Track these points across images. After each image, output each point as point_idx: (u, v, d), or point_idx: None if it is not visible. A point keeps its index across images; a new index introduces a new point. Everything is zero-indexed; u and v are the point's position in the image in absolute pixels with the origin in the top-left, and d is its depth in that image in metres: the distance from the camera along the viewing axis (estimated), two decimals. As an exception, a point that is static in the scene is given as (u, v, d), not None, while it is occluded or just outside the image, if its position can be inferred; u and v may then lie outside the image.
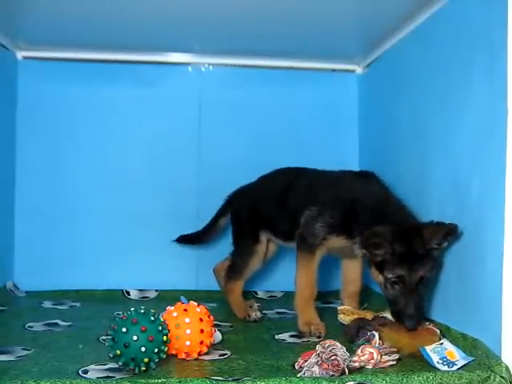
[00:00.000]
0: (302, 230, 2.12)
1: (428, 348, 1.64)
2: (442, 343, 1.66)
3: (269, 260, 2.53)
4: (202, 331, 1.69)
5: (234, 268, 2.40)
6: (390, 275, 1.82)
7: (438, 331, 1.77)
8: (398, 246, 1.81)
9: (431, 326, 1.80)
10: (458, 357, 1.60)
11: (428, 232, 1.81)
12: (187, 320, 1.68)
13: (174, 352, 1.68)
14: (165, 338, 1.58)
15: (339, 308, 2.24)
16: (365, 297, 2.44)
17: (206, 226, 2.61)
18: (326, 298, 2.49)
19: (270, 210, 2.34)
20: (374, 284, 2.63)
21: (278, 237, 2.36)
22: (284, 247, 2.43)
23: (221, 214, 2.59)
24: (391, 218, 1.92)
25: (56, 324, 2.15)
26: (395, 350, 1.66)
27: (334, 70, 2.98)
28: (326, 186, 2.17)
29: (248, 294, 2.71)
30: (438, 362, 1.59)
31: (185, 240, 2.65)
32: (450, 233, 1.81)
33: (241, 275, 2.38)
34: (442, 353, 1.62)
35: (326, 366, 1.51)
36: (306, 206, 2.13)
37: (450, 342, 1.69)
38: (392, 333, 1.74)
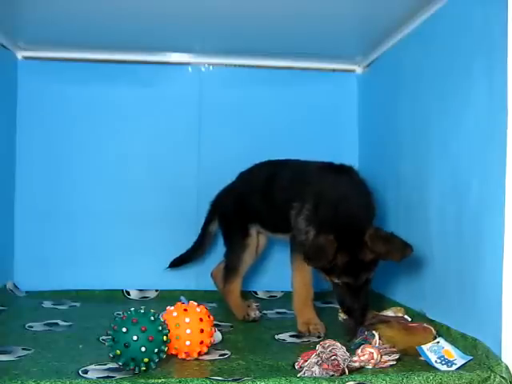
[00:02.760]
0: (293, 231, 2.13)
1: (425, 347, 1.64)
2: (438, 342, 1.66)
3: (260, 254, 2.53)
4: (202, 331, 1.69)
5: (229, 267, 2.40)
6: (337, 281, 1.90)
7: (433, 330, 1.77)
8: (342, 257, 1.85)
9: (426, 325, 1.80)
10: (456, 356, 1.60)
11: (379, 247, 1.85)
12: (187, 320, 1.68)
13: (173, 352, 1.68)
14: (165, 337, 1.58)
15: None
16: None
17: (198, 239, 2.59)
18: (325, 298, 2.49)
19: (256, 202, 2.35)
20: (373, 284, 2.63)
21: (267, 228, 2.38)
22: (278, 244, 2.44)
23: (208, 221, 2.58)
24: (344, 219, 1.92)
25: (56, 324, 2.15)
26: (395, 349, 1.66)
27: (334, 70, 2.98)
28: (304, 179, 2.17)
29: (248, 294, 2.72)
30: (436, 362, 1.59)
31: (179, 262, 2.60)
32: (406, 255, 1.87)
33: (237, 273, 2.38)
34: (439, 352, 1.62)
35: (326, 366, 1.51)
36: (290, 203, 2.13)
37: (449, 341, 1.69)
38: (387, 329, 1.75)
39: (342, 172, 2.13)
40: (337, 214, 1.96)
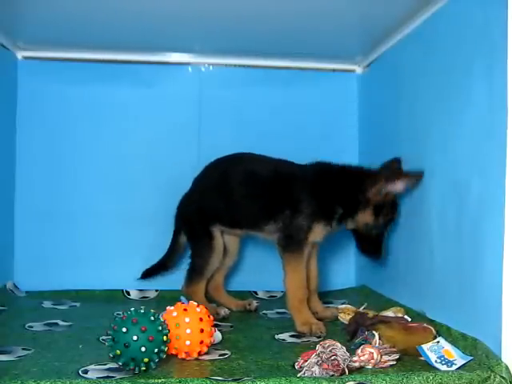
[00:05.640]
0: (286, 231, 2.15)
1: (425, 346, 1.64)
2: (438, 341, 1.66)
3: (234, 257, 2.57)
4: (201, 331, 1.69)
5: (194, 269, 2.41)
6: (387, 217, 2.19)
7: (434, 330, 1.77)
8: (389, 195, 2.15)
9: (426, 325, 1.80)
10: (456, 356, 1.60)
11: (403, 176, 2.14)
12: (187, 319, 1.68)
13: (173, 352, 1.68)
14: (165, 337, 1.58)
15: (339, 307, 2.24)
16: (364, 297, 2.44)
17: (167, 251, 2.58)
18: (326, 298, 2.49)
19: (215, 201, 2.38)
20: (373, 284, 2.64)
21: (225, 225, 2.40)
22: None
23: (177, 231, 2.57)
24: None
25: (56, 324, 2.15)
26: (395, 349, 1.66)
27: (334, 70, 2.98)
28: (287, 183, 2.22)
29: (248, 294, 2.72)
30: (436, 361, 1.59)
31: (149, 273, 2.61)
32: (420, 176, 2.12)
33: (202, 275, 2.39)
34: (439, 351, 1.62)
35: (326, 366, 1.51)
36: (277, 211, 2.19)
37: (449, 341, 1.69)
38: (387, 329, 1.75)
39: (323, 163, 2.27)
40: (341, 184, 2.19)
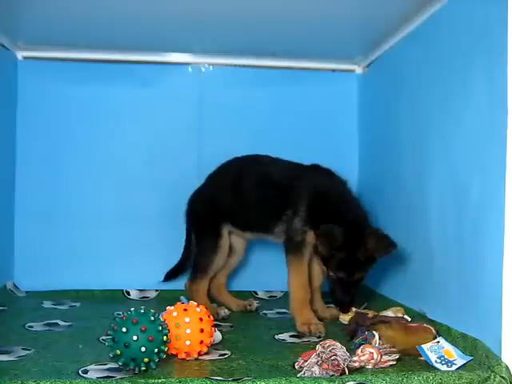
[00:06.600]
0: (288, 232, 2.18)
1: (425, 346, 1.64)
2: (438, 341, 1.66)
3: (239, 258, 2.59)
4: (201, 331, 1.69)
5: (198, 267, 2.42)
6: (332, 274, 2.07)
7: (434, 330, 1.77)
8: (342, 252, 2.01)
9: (426, 325, 1.80)
10: (456, 356, 1.60)
11: (372, 245, 2.00)
12: (187, 319, 1.69)
13: (173, 352, 1.68)
14: (165, 337, 1.58)
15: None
16: (364, 297, 2.44)
17: (184, 252, 2.58)
18: (327, 298, 2.49)
19: (228, 201, 2.38)
20: (373, 284, 2.64)
21: (237, 227, 2.41)
22: (278, 244, 2.46)
23: (189, 230, 2.56)
24: (345, 217, 2.07)
25: (56, 324, 2.15)
26: (395, 350, 1.66)
27: (334, 70, 2.98)
28: (292, 184, 2.24)
29: (248, 294, 2.72)
30: (436, 361, 1.59)
31: (172, 275, 2.60)
32: (389, 251, 2.02)
33: (206, 273, 2.40)
34: (439, 351, 1.62)
35: (326, 366, 1.51)
36: (281, 210, 2.21)
37: (449, 341, 1.69)
38: (387, 329, 1.75)
39: (330, 174, 2.25)
40: (339, 214, 2.07)
